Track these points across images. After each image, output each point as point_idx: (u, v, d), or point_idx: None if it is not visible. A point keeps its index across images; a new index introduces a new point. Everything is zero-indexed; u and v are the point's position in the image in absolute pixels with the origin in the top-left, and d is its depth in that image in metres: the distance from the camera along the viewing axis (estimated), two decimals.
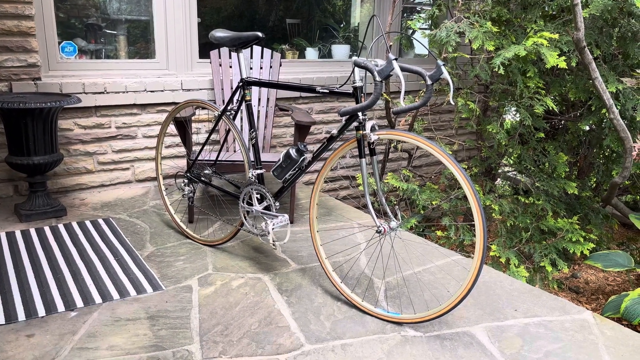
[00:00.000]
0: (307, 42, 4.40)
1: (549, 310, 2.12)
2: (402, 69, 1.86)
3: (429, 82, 1.84)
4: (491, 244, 3.14)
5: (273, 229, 2.16)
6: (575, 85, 3.05)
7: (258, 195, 2.30)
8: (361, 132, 1.93)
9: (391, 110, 3.81)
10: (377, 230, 1.93)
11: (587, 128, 3.57)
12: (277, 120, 3.89)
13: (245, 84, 2.32)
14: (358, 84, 1.92)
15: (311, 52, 4.30)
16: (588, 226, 3.53)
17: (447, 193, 3.36)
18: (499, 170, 3.88)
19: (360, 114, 1.92)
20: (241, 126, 3.33)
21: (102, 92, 3.21)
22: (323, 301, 2.13)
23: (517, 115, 3.16)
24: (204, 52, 3.58)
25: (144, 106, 3.39)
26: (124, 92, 3.27)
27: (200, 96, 3.53)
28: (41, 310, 1.95)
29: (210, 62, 3.36)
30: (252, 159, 2.35)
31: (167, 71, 3.49)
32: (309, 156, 2.13)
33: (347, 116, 1.92)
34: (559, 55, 2.84)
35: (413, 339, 1.89)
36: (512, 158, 3.32)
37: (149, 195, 3.35)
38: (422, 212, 3.18)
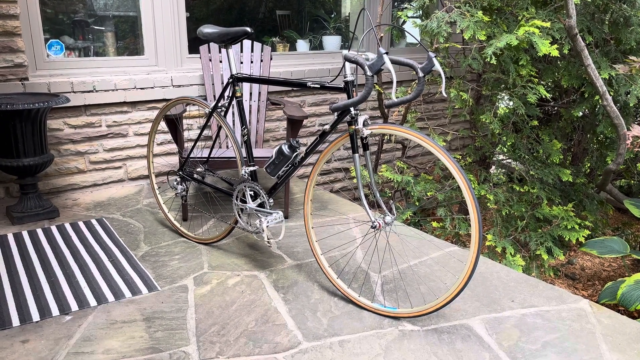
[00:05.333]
0: (297, 34, 4.36)
1: (545, 300, 2.12)
2: (394, 62, 1.84)
3: (421, 74, 1.82)
4: (487, 234, 3.14)
5: (267, 226, 2.15)
6: (568, 72, 3.03)
7: (251, 193, 2.28)
8: (353, 127, 1.91)
9: (384, 103, 3.79)
10: (372, 226, 1.92)
11: (581, 114, 3.56)
12: (269, 114, 3.86)
13: (235, 80, 2.29)
14: (349, 78, 1.90)
15: (302, 44, 4.27)
16: (583, 212, 3.53)
17: (441, 184, 3.35)
18: (494, 159, 3.87)
19: (352, 108, 1.90)
20: (233, 121, 3.31)
21: (91, 91, 3.17)
22: (320, 297, 2.12)
23: (511, 102, 3.15)
24: (193, 47, 3.54)
25: (134, 104, 3.35)
26: (113, 90, 3.23)
27: (191, 92, 3.49)
28: (35, 315, 1.93)
29: (200, 58, 3.32)
30: (244, 155, 2.33)
31: (157, 67, 3.45)
32: (302, 152, 2.11)
33: (339, 111, 1.90)
34: (551, 43, 2.82)
35: (411, 333, 1.88)
36: (507, 147, 3.31)
37: (142, 193, 3.32)
38: (417, 203, 3.17)
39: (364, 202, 1.96)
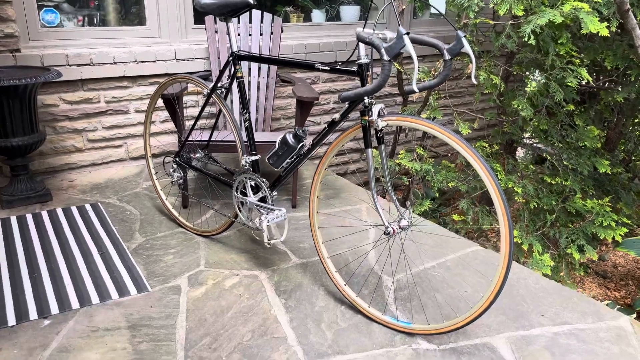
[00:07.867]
0: (313, 3, 4.04)
1: (580, 315, 1.88)
2: (416, 42, 1.56)
3: (448, 57, 1.55)
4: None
5: (268, 225, 1.92)
6: (613, 52, 2.70)
7: (252, 183, 2.05)
8: (367, 117, 1.66)
9: (404, 88, 3.50)
10: (385, 232, 1.68)
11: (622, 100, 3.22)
12: (280, 91, 3.60)
13: (236, 58, 2.03)
14: (363, 60, 1.63)
15: (317, 14, 3.96)
16: (618, 205, 3.23)
17: (464, 173, 3.08)
18: (522, 142, 3.57)
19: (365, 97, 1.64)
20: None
21: (88, 64, 2.94)
22: (325, 305, 1.90)
23: (541, 80, 2.82)
24: (199, 18, 3.26)
25: (134, 78, 3.12)
26: (112, 63, 3.00)
27: (197, 66, 3.24)
28: (12, 319, 1.75)
29: (206, 29, 3.06)
30: (244, 139, 2.09)
31: (160, 39, 3.20)
32: (308, 142, 1.86)
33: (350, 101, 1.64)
34: (600, 21, 2.48)
35: (426, 353, 1.66)
36: (538, 132, 3.00)
37: (143, 175, 3.12)
38: (436, 194, 2.91)
39: (378, 206, 1.72)
